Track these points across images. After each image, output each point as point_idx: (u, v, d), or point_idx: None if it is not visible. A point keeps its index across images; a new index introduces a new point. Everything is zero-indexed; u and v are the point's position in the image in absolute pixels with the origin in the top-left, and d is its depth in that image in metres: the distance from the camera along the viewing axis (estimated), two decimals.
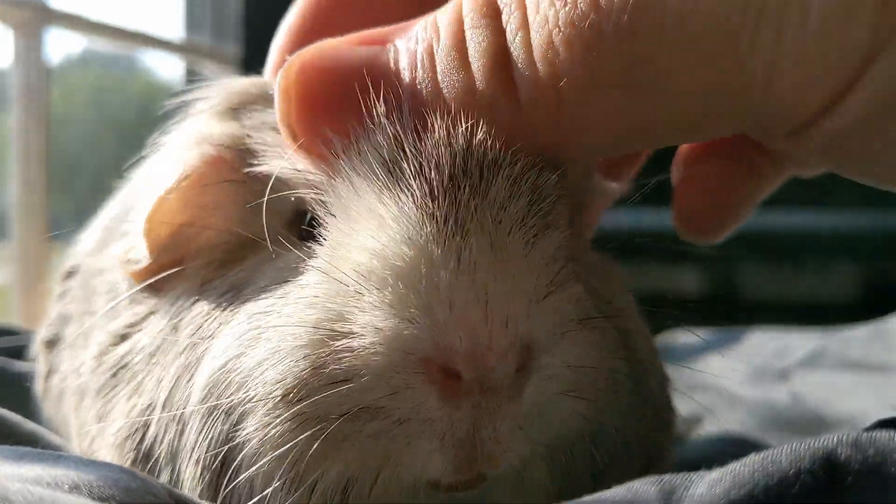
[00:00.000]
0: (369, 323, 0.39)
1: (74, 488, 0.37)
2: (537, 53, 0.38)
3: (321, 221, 0.45)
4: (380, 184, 0.41)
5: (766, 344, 1.26)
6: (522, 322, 0.39)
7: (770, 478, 0.34)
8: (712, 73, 0.37)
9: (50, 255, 2.04)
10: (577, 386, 0.42)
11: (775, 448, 0.36)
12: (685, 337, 1.30)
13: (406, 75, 0.41)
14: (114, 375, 0.50)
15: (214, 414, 0.43)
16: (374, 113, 0.41)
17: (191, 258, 0.50)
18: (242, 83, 0.53)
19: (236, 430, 0.42)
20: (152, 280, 0.49)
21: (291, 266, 0.45)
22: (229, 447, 0.43)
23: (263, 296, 0.45)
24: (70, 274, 0.67)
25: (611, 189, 0.61)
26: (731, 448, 0.74)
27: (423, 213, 0.39)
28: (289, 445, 0.40)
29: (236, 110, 0.51)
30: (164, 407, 0.46)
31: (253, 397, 0.42)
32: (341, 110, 0.42)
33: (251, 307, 0.45)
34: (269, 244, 0.45)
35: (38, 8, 2.08)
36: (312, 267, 0.43)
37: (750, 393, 0.99)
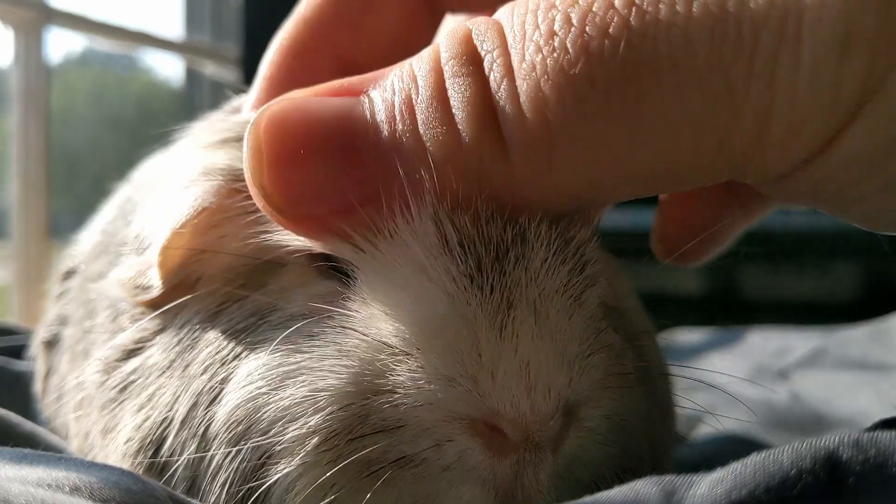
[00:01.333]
0: (414, 384, 0.40)
1: (75, 490, 0.37)
2: (525, 102, 0.36)
3: (348, 265, 0.44)
4: (424, 249, 0.41)
5: (766, 344, 1.26)
6: (564, 389, 0.40)
7: (771, 478, 0.34)
8: (707, 119, 0.35)
9: (50, 254, 2.04)
10: (612, 433, 0.44)
11: (776, 448, 0.36)
12: (685, 336, 1.30)
13: (384, 128, 0.39)
14: (122, 391, 0.50)
15: (241, 445, 0.43)
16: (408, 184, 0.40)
17: (205, 282, 0.50)
18: (227, 120, 0.53)
19: (266, 466, 0.43)
20: (165, 308, 0.49)
21: (322, 297, 0.45)
22: (257, 482, 0.43)
23: (293, 328, 0.44)
24: (69, 274, 0.67)
25: None
26: (731, 448, 0.74)
27: (470, 283, 0.40)
28: (328, 486, 0.41)
29: (231, 141, 0.51)
30: (182, 424, 0.46)
31: (287, 439, 0.42)
32: (316, 167, 0.40)
33: (278, 337, 0.44)
34: (296, 266, 0.46)
35: (38, 7, 2.07)
36: (351, 315, 0.43)
37: (750, 393, 0.99)
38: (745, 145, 0.36)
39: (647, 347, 0.52)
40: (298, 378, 0.43)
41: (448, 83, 0.38)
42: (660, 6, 0.35)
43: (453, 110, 0.38)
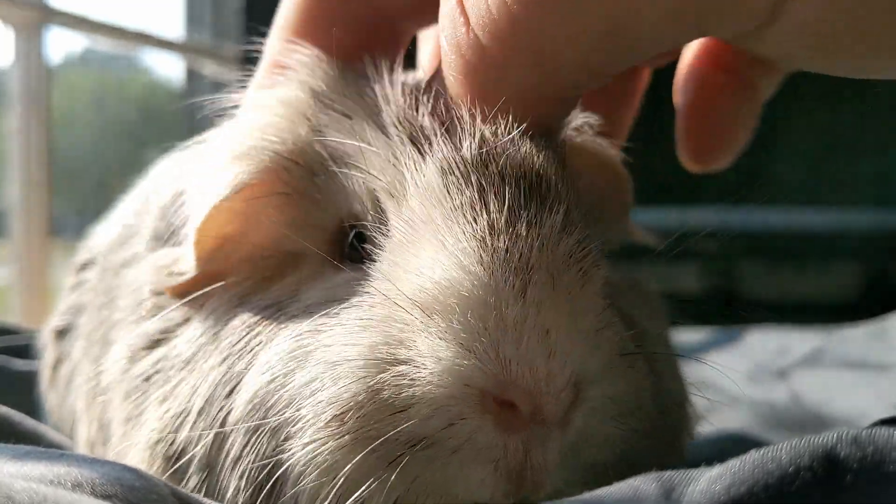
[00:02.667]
0: (431, 352, 0.40)
1: (77, 486, 0.37)
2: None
3: (373, 238, 0.45)
4: (444, 210, 0.41)
5: (765, 343, 1.27)
6: (579, 360, 0.40)
7: (770, 475, 0.34)
8: None
9: (50, 254, 2.04)
10: (617, 416, 0.44)
11: (775, 445, 0.36)
12: (685, 336, 1.30)
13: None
14: (146, 379, 0.50)
15: (261, 430, 0.43)
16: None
17: (232, 271, 0.50)
18: (288, 90, 0.52)
19: (282, 447, 0.42)
20: (195, 295, 0.49)
21: (340, 286, 0.45)
22: (275, 463, 0.43)
23: (310, 314, 0.44)
24: (85, 266, 0.68)
25: (636, 233, 0.63)
26: (730, 447, 0.74)
27: (487, 245, 0.40)
28: (339, 466, 0.40)
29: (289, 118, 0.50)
30: (199, 415, 0.46)
31: (303, 417, 0.42)
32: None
33: (297, 324, 0.45)
34: (315, 258, 0.47)
35: (38, 7, 2.08)
36: (371, 288, 0.43)
37: (750, 392, 0.99)
38: (711, 6, 0.41)
39: (665, 372, 0.52)
40: (316, 356, 0.43)
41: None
42: None
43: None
